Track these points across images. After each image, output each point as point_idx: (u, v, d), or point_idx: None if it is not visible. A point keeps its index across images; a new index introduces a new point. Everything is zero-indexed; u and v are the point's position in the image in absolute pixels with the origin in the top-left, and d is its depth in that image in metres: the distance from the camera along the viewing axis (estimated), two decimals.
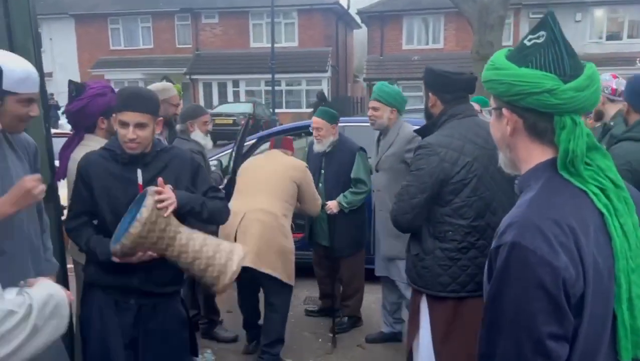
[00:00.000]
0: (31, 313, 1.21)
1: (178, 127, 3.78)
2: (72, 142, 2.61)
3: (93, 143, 2.44)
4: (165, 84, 3.61)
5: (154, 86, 3.52)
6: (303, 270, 4.96)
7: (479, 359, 1.15)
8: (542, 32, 1.13)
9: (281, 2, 21.91)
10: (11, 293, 1.33)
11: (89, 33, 25.15)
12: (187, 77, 23.83)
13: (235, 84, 23.84)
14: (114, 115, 2.11)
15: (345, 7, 25.14)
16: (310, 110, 21.54)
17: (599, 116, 3.33)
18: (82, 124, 2.60)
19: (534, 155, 1.17)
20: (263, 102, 21.70)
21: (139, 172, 2.11)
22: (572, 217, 1.06)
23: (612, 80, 3.22)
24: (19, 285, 1.33)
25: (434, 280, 2.33)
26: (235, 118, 17.36)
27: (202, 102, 24.12)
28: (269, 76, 18.84)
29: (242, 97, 23.52)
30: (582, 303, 1.04)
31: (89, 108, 2.45)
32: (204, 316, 3.91)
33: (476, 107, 4.08)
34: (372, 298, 4.42)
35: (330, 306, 4.09)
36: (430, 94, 2.46)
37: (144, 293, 2.13)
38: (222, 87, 24.05)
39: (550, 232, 1.03)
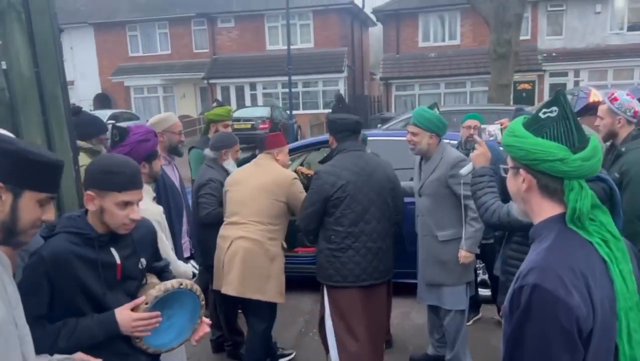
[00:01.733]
0: None
1: (208, 152, 3.85)
2: None
3: None
4: (165, 114, 3.63)
5: (155, 119, 3.54)
6: None
7: None
8: (554, 108, 1.33)
9: (296, 3, 21.94)
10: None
11: (108, 41, 25.55)
12: (205, 81, 24.05)
13: (253, 86, 24.00)
14: (96, 194, 1.79)
15: (360, 6, 25.02)
16: (327, 110, 21.59)
17: (611, 135, 3.21)
18: None
19: (545, 209, 1.36)
20: (280, 104, 21.81)
21: (113, 250, 1.87)
22: (582, 264, 1.25)
23: (632, 101, 3.10)
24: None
25: (324, 273, 3.14)
26: (253, 122, 17.49)
27: None
28: (286, 78, 18.91)
29: (260, 99, 23.67)
30: (591, 337, 1.22)
31: (132, 154, 2.35)
32: (229, 338, 3.99)
33: (474, 123, 4.15)
34: (396, 313, 4.44)
35: None
36: (329, 135, 3.30)
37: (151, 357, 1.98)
38: (240, 90, 24.21)
39: (565, 276, 1.21)
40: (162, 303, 1.88)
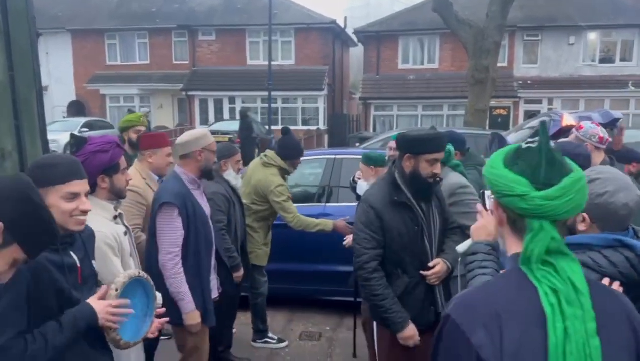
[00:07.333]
0: None
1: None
2: None
3: (93, 205, 2.05)
4: (201, 130, 3.15)
5: (191, 135, 3.01)
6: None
7: None
8: (537, 138, 1.26)
9: (278, 20, 22.04)
10: None
11: (85, 48, 25.18)
12: (183, 92, 23.87)
13: (232, 100, 23.89)
14: (48, 188, 1.73)
15: (342, 25, 25.29)
16: (306, 127, 21.64)
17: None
18: None
19: (513, 246, 1.27)
20: (259, 119, 21.73)
21: (72, 253, 1.82)
22: (507, 305, 1.14)
23: (596, 128, 3.27)
24: None
25: None
26: (231, 136, 17.37)
27: (197, 118, 24.14)
28: (265, 93, 18.90)
29: (238, 113, 23.56)
30: None
31: (85, 166, 2.06)
32: None
33: None
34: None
35: None
36: None
37: None
38: (218, 103, 24.08)
39: (477, 312, 1.15)
40: (125, 294, 1.89)
